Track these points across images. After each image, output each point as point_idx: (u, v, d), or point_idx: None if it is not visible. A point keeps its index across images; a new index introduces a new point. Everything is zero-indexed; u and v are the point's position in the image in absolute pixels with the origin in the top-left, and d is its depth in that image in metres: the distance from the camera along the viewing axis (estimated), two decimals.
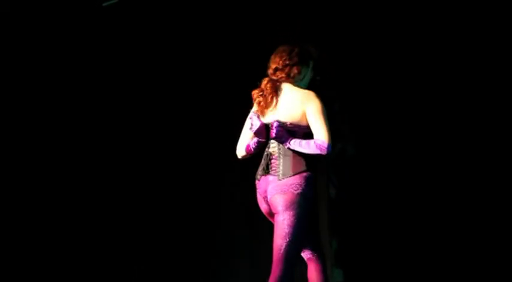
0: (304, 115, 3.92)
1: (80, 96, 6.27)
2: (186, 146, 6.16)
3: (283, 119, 3.92)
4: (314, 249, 4.05)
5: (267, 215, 4.04)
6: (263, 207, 4.00)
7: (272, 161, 3.94)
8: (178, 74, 6.05)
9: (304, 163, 3.88)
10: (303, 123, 3.92)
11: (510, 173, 5.31)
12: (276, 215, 3.89)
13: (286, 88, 4.00)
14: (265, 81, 4.03)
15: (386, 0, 5.79)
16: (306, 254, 4.03)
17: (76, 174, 6.30)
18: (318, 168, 5.74)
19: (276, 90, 3.98)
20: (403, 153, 5.93)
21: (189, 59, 6.01)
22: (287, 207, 3.83)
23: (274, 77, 4.03)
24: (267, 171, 3.95)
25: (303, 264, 4.14)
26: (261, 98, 4.00)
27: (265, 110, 3.99)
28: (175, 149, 6.20)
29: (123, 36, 6.17)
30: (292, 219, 3.83)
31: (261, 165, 4.00)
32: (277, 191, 3.88)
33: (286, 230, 3.81)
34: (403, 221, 5.84)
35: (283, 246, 3.81)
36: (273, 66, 4.05)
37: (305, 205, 3.85)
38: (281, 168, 3.90)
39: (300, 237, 3.84)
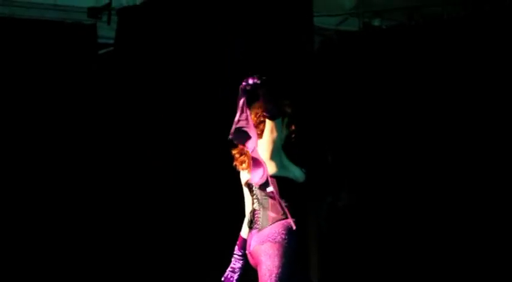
0: None
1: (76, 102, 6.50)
2: (185, 149, 6.28)
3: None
4: None
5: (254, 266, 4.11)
6: (252, 262, 4.06)
7: (255, 216, 4.01)
8: (169, 95, 6.32)
9: (279, 213, 3.92)
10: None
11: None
12: (258, 266, 3.92)
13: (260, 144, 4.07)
14: None
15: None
16: None
17: (75, 175, 6.40)
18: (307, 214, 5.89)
19: None
20: (391, 203, 6.15)
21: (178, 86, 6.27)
22: (267, 257, 3.87)
23: None
24: (251, 226, 4.01)
25: None
26: (243, 158, 4.06)
27: (246, 167, 4.04)
28: (174, 151, 6.33)
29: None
30: (274, 269, 3.85)
31: (247, 222, 4.10)
32: (257, 242, 3.93)
33: (268, 280, 3.83)
34: (394, 267, 6.05)
35: None
36: None
37: (285, 253, 3.87)
38: (261, 221, 3.96)
39: None
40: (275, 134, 3.87)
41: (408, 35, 6.21)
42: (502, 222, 5.67)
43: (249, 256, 3.99)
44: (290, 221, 3.87)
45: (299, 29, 6.16)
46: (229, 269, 4.09)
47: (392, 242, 6.18)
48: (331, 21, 7.09)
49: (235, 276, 4.06)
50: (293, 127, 4.03)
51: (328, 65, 6.49)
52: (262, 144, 3.90)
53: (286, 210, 3.88)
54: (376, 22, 7.01)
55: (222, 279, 4.08)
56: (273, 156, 3.90)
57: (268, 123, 3.85)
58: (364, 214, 6.33)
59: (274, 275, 3.80)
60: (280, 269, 3.82)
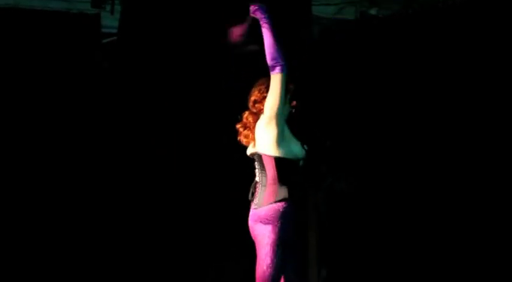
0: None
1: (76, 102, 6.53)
2: (189, 138, 6.33)
3: (259, 151, 4.06)
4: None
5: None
6: (251, 234, 4.18)
7: (256, 189, 4.09)
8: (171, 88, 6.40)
9: (274, 194, 4.00)
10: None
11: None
12: (255, 240, 4.06)
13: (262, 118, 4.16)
14: (245, 114, 4.15)
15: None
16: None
17: (79, 164, 6.43)
18: (308, 200, 6.00)
19: (255, 122, 4.11)
20: (390, 187, 6.25)
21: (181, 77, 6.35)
22: (262, 237, 3.99)
23: (254, 110, 4.13)
24: (251, 198, 4.09)
25: None
26: (247, 132, 4.12)
27: (252, 142, 4.12)
28: (177, 139, 6.38)
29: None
30: (267, 248, 3.96)
31: (250, 191, 4.15)
32: (254, 219, 4.05)
33: (264, 257, 3.95)
34: (390, 250, 6.19)
35: (263, 270, 3.94)
36: (252, 98, 4.14)
37: (276, 235, 3.96)
38: (258, 198, 4.05)
39: (277, 261, 3.93)
40: (280, 90, 3.93)
41: (405, 23, 6.29)
42: (497, 213, 5.74)
43: (249, 227, 4.10)
44: (281, 205, 3.95)
45: (298, 18, 6.24)
46: None
47: (391, 226, 6.24)
48: (328, 10, 7.05)
49: None
50: (294, 103, 4.07)
51: (326, 52, 6.54)
52: (268, 102, 3.95)
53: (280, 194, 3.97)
54: (372, 11, 6.98)
55: None
56: (278, 118, 3.95)
57: (276, 78, 3.93)
58: (363, 198, 6.38)
59: (269, 253, 3.93)
60: (274, 247, 3.93)
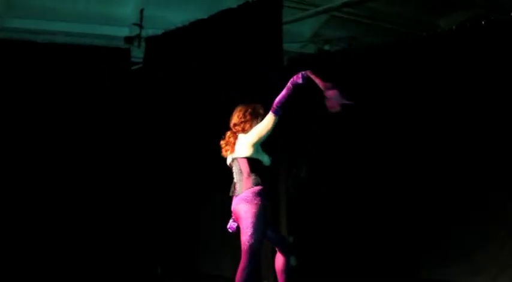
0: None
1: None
2: (176, 148, 7.25)
3: (236, 156, 4.58)
4: (279, 245, 4.70)
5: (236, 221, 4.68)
6: (234, 218, 4.64)
7: (235, 186, 4.62)
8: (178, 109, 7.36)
9: (250, 183, 4.49)
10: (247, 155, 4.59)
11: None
12: (238, 221, 4.51)
13: (241, 136, 4.67)
14: (228, 133, 4.70)
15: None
16: (277, 248, 4.76)
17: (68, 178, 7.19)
18: (278, 184, 6.85)
19: (235, 140, 4.66)
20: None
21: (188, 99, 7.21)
22: (244, 213, 4.41)
23: (234, 130, 4.66)
24: (232, 193, 4.62)
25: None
26: (227, 147, 4.67)
27: (229, 153, 4.65)
28: (168, 151, 7.32)
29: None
30: (248, 221, 4.38)
31: (230, 190, 4.68)
32: (236, 203, 4.54)
33: (246, 229, 4.35)
34: (348, 223, 7.18)
35: (246, 241, 4.33)
36: (233, 122, 4.67)
37: (256, 210, 4.41)
38: (238, 189, 4.57)
39: (257, 233, 4.33)
40: (270, 127, 4.42)
41: (348, 57, 7.39)
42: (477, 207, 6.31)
43: (232, 214, 4.61)
44: (257, 188, 4.52)
45: (273, 52, 6.90)
46: (231, 220, 4.69)
47: (347, 203, 7.17)
48: (295, 46, 8.08)
49: (235, 225, 4.67)
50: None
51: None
52: (256, 130, 4.45)
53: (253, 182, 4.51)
54: (326, 47, 8.02)
55: (228, 226, 4.64)
56: (257, 143, 4.54)
57: (270, 117, 4.39)
58: (321, 182, 7.38)
59: (250, 225, 4.41)
60: (254, 219, 4.41)
